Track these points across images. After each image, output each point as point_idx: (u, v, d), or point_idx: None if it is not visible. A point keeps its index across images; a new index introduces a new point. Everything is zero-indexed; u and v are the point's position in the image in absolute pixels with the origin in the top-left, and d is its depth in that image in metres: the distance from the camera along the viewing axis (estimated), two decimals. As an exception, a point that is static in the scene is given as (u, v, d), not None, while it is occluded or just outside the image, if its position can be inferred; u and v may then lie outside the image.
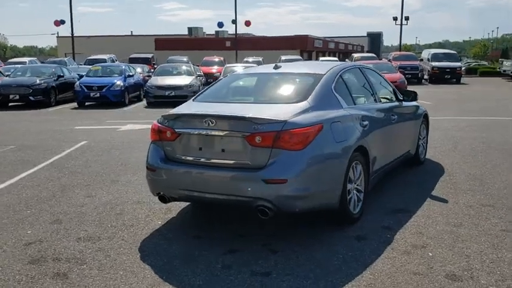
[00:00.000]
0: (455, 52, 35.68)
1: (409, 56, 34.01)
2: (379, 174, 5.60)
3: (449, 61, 31.29)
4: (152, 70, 25.86)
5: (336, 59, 32.37)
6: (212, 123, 4.33)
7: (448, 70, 30.11)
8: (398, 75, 19.36)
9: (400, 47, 41.59)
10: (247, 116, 4.27)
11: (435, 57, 31.89)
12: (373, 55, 34.59)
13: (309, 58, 42.90)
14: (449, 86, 25.75)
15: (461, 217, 5.02)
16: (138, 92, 20.07)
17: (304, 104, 4.53)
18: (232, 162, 4.32)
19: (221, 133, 4.34)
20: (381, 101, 5.94)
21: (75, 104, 18.36)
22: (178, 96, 17.89)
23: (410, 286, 3.56)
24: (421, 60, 33.29)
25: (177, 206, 5.53)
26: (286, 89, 5.16)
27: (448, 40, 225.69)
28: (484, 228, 4.71)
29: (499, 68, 35.57)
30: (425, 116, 7.52)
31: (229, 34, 55.76)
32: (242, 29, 42.94)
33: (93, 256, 4.25)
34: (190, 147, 4.54)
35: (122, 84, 18.14)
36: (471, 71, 37.51)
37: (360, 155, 4.84)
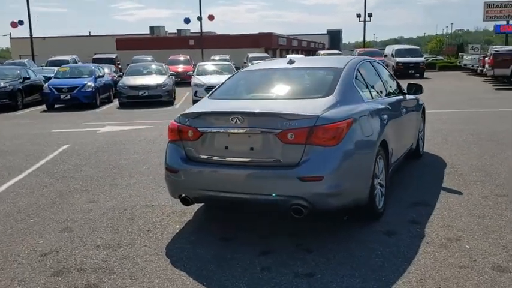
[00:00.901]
0: (418, 47, 36.50)
1: (374, 52, 34.55)
2: (393, 169, 5.57)
3: (413, 56, 31.98)
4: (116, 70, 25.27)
5: (302, 56, 32.46)
6: (240, 120, 4.16)
7: (411, 65, 30.78)
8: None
9: (364, 44, 42.28)
10: (279, 112, 4.12)
11: (399, 53, 32.49)
12: (339, 51, 34.95)
13: (274, 56, 42.89)
14: (415, 81, 26.28)
15: (481, 208, 5.04)
16: (108, 93, 19.51)
17: (331, 99, 4.42)
18: (262, 160, 4.17)
19: (250, 131, 4.17)
20: (391, 94, 5.91)
21: (43, 107, 17.66)
22: (152, 96, 17.52)
23: (462, 280, 3.51)
24: (385, 56, 33.87)
25: (191, 209, 5.32)
26: (308, 84, 5.04)
27: (403, 36, 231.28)
28: (509, 218, 4.73)
29: (459, 62, 36.61)
30: (423, 109, 7.57)
31: (192, 33, 55.20)
32: (205, 25, 42.57)
33: (120, 265, 4.01)
34: (215, 146, 4.35)
35: (92, 85, 17.56)
36: (430, 66, 38.42)
37: (382, 149, 4.78)
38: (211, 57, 32.74)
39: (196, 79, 18.46)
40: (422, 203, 5.28)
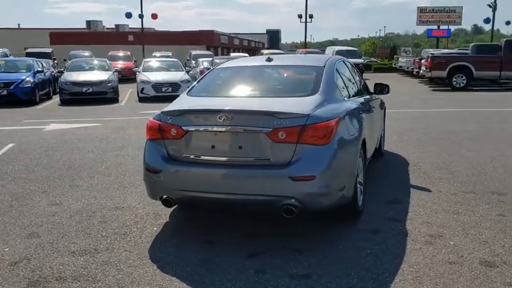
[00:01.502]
0: (357, 49, 37.55)
1: (316, 52, 35.16)
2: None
3: (352, 57, 32.86)
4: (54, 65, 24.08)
5: (246, 54, 32.51)
6: (228, 118, 4.02)
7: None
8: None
9: (305, 44, 42.98)
10: (270, 110, 4.03)
11: (340, 54, 33.24)
12: (281, 51, 35.30)
13: (215, 54, 42.58)
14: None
15: (453, 205, 5.20)
16: (47, 89, 18.55)
17: (317, 97, 4.38)
18: (251, 159, 4.05)
19: (239, 129, 4.05)
20: (361, 93, 5.98)
21: (-25, 103, 16.49)
22: (97, 92, 16.86)
23: (455, 276, 3.58)
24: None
25: (166, 210, 5.11)
26: (291, 82, 4.98)
27: (338, 38, 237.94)
28: (482, 214, 4.91)
29: (394, 64, 38.08)
30: (384, 108, 7.74)
31: (130, 28, 53.73)
32: (144, 21, 41.26)
33: (102, 271, 3.76)
34: (201, 145, 4.19)
35: (32, 80, 16.61)
36: (366, 67, 39.67)
37: (361, 148, 4.81)
38: (153, 54, 32.00)
39: (143, 76, 17.99)
40: (397, 200, 5.38)
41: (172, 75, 17.85)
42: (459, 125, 10.78)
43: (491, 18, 39.13)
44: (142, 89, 17.42)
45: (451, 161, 7.21)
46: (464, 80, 20.79)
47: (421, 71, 25.37)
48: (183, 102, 4.65)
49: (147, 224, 4.81)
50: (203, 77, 5.27)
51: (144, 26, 41.65)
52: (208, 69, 19.11)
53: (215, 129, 4.09)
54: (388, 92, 6.75)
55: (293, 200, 3.93)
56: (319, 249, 4.10)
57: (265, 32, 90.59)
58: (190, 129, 4.17)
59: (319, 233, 4.46)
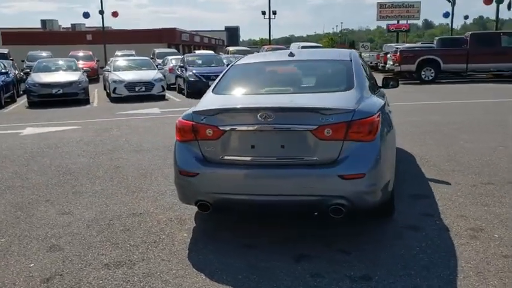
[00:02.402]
0: (321, 45, 37.86)
1: (281, 48, 35.17)
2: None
3: (317, 53, 33.17)
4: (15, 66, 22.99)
5: (212, 52, 32.15)
6: (270, 117, 3.83)
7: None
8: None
9: (269, 41, 42.92)
10: (316, 106, 3.86)
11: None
12: (248, 48, 35.15)
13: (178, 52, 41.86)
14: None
15: (479, 197, 5.19)
16: (12, 91, 17.68)
17: (355, 92, 4.25)
18: (295, 159, 3.87)
19: (281, 127, 3.86)
20: (376, 87, 5.89)
21: None
22: (67, 94, 16.20)
23: (516, 269, 3.54)
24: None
25: (188, 215, 4.90)
26: (322, 77, 4.82)
27: (294, 35, 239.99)
28: (511, 204, 4.92)
29: (357, 59, 38.56)
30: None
31: (87, 27, 52.16)
32: (99, 19, 39.88)
33: (148, 285, 3.50)
34: (240, 145, 3.97)
35: (-4, 83, 15.76)
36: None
37: None
38: (116, 53, 31.11)
39: (114, 75, 17.43)
40: (421, 195, 5.33)
41: (146, 74, 17.36)
42: (444, 117, 10.93)
43: (450, 12, 40.21)
44: (115, 88, 16.87)
45: (455, 153, 7.25)
46: (432, 73, 21.25)
47: (387, 66, 25.79)
48: (215, 100, 4.41)
49: (174, 230, 4.56)
50: (224, 74, 5.00)
51: (100, 25, 40.45)
52: (180, 67, 18.74)
53: (256, 128, 3.89)
54: (397, 85, 6.70)
55: (343, 200, 3.78)
56: (366, 249, 3.97)
57: (223, 29, 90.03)
58: (228, 129, 3.95)
59: (359, 233, 4.33)
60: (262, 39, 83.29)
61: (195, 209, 4.98)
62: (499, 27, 38.42)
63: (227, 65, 20.11)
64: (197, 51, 33.03)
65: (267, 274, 3.60)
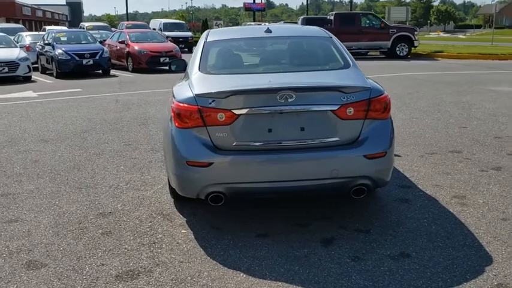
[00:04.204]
0: (183, 22, 37.09)
1: (142, 25, 33.67)
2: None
3: (180, 31, 32.52)
4: None
5: (64, 27, 29.39)
6: (290, 97, 3.57)
7: (181, 39, 31.16)
8: (171, 45, 19.04)
9: (127, 16, 40.63)
10: (337, 84, 3.70)
11: (167, 27, 32.58)
12: (106, 25, 33.01)
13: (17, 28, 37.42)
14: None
15: (434, 166, 5.56)
16: None
17: (355, 70, 4.17)
18: (315, 141, 3.69)
19: (301, 108, 3.63)
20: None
21: None
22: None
23: (523, 231, 3.86)
24: (154, 30, 33.44)
25: (167, 209, 4.45)
26: (314, 54, 4.62)
27: (138, 11, 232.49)
28: (467, 171, 5.35)
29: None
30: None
31: None
32: None
33: (189, 292, 3.08)
34: (256, 130, 3.64)
35: None
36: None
37: None
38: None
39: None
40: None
41: (9, 53, 15.20)
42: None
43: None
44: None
45: (421, 128, 7.59)
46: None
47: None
48: (215, 81, 3.95)
49: (166, 227, 4.08)
50: (203, 52, 4.46)
51: None
52: (46, 44, 16.86)
53: (276, 109, 3.60)
54: None
55: (367, 180, 3.73)
56: (379, 226, 3.99)
57: (64, 3, 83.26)
58: (244, 113, 3.60)
59: (357, 212, 4.30)
60: (108, 15, 78.73)
61: (168, 202, 4.57)
62: (331, 8, 41.54)
63: (100, 42, 18.70)
64: (48, 28, 29.82)
65: (307, 263, 3.41)
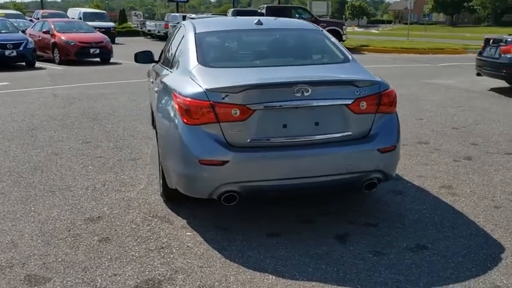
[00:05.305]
0: (105, 12, 35.49)
1: (59, 14, 31.85)
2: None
3: (102, 21, 31.13)
4: None
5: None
6: (306, 91, 3.47)
7: (103, 30, 29.81)
8: (101, 36, 18.03)
9: (42, 5, 38.02)
10: (351, 78, 3.64)
11: (87, 17, 31.04)
12: (18, 12, 30.80)
13: None
14: (117, 47, 25.65)
15: (410, 158, 5.70)
16: None
17: (357, 64, 4.15)
18: (329, 136, 3.62)
19: (317, 103, 3.54)
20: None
21: None
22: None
23: (518, 217, 4.06)
24: (73, 19, 31.73)
25: (161, 211, 4.20)
26: (312, 48, 4.51)
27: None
28: (444, 162, 5.56)
29: (141, 28, 37.37)
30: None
31: None
32: None
33: (224, 300, 2.90)
34: (271, 125, 3.50)
35: None
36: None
37: None
38: None
39: None
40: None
41: None
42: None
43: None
44: None
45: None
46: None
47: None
48: (225, 75, 3.73)
49: (169, 230, 3.83)
50: (198, 44, 4.18)
51: None
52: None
53: (292, 104, 3.48)
54: None
55: (379, 174, 3.74)
56: (384, 219, 4.01)
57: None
58: (260, 108, 3.44)
59: (357, 206, 4.32)
60: (14, 2, 73.12)
61: (159, 204, 4.33)
62: (248, 1, 41.79)
63: (22, 32, 17.33)
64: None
65: (331, 260, 3.35)
